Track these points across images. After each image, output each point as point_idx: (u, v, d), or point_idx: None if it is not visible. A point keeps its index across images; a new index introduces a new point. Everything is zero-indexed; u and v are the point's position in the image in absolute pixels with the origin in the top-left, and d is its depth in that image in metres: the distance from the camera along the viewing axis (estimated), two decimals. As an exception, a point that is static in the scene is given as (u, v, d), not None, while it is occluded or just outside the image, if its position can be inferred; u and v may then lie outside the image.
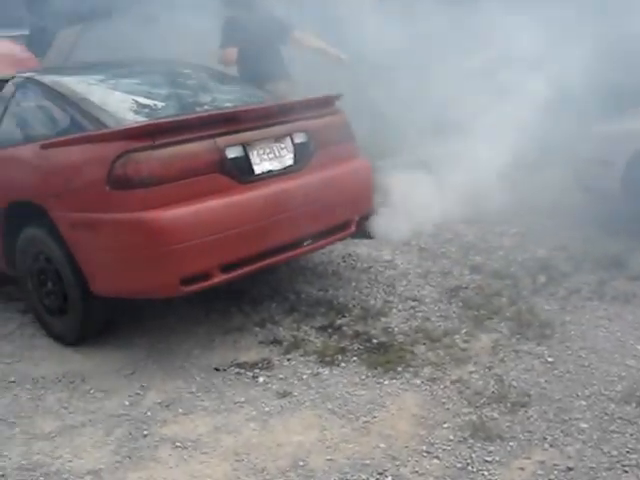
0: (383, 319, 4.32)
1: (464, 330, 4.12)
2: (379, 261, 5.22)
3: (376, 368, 3.76)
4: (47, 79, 4.44)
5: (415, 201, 5.38)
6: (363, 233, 4.63)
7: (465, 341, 4.00)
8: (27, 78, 4.52)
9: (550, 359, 3.76)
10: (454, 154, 5.50)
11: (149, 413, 3.53)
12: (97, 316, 4.18)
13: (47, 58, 7.35)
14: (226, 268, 3.85)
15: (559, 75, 5.58)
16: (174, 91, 4.74)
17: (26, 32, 7.98)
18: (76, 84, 4.38)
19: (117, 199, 3.66)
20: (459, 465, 3.02)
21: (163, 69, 5.17)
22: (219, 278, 3.82)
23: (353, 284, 4.84)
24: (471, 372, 3.68)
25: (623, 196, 5.34)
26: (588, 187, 5.84)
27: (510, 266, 5.03)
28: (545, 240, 5.52)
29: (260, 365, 3.90)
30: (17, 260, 4.41)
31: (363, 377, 3.71)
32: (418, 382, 3.62)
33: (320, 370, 3.81)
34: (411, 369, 3.74)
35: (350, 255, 5.37)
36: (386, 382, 3.64)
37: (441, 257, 5.30)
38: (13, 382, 3.93)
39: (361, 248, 5.47)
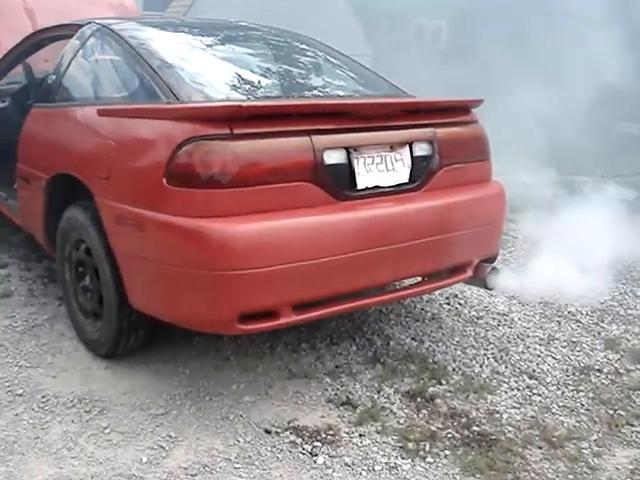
0: (489, 397, 3.34)
1: (594, 437, 3.09)
2: (491, 312, 4.23)
3: (474, 475, 2.80)
4: (122, 29, 3.57)
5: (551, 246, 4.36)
6: (479, 281, 3.61)
7: (595, 454, 2.97)
8: (101, 26, 3.67)
9: None
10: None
11: (168, 483, 2.69)
12: (135, 331, 3.33)
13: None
14: (300, 307, 2.95)
15: None
16: (281, 69, 3.83)
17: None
18: (156, 40, 3.51)
19: (174, 197, 2.78)
20: None
21: (276, 40, 4.21)
22: (289, 319, 2.90)
23: (456, 339, 3.86)
24: (602, 509, 2.67)
25: None
26: None
27: (656, 347, 3.96)
28: (703, 318, 4.40)
29: (323, 436, 2.99)
30: (57, 243, 3.65)
31: (455, 485, 2.76)
32: (529, 511, 2.64)
33: (399, 461, 2.86)
34: (521, 486, 2.76)
35: (456, 297, 4.39)
36: (485, 501, 2.68)
37: (568, 319, 4.25)
38: (20, 396, 3.18)
39: (470, 289, 4.49)
